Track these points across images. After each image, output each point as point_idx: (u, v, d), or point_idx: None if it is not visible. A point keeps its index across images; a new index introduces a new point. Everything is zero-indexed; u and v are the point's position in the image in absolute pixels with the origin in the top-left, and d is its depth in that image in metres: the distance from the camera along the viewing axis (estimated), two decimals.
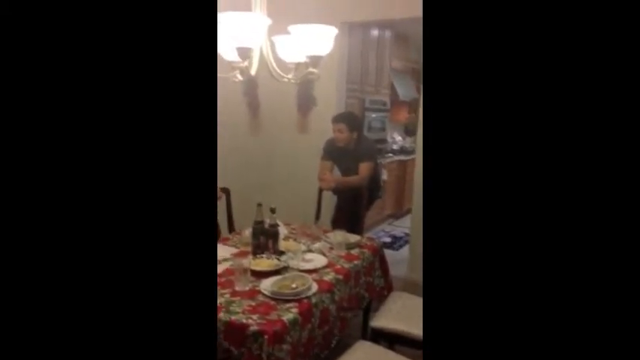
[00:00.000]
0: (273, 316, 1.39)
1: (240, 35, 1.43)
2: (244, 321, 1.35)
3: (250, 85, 3.36)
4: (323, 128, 2.91)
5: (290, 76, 1.73)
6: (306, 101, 3.38)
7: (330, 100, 3.34)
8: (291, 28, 1.60)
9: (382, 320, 1.79)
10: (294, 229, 2.25)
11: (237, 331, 1.33)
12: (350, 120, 2.66)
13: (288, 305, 1.45)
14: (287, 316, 1.39)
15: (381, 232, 4.46)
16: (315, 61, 1.63)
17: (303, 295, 1.51)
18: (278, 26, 1.63)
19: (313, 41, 1.58)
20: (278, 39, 1.71)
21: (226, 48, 1.60)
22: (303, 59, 1.69)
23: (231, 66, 1.65)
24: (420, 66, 3.09)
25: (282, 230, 2.05)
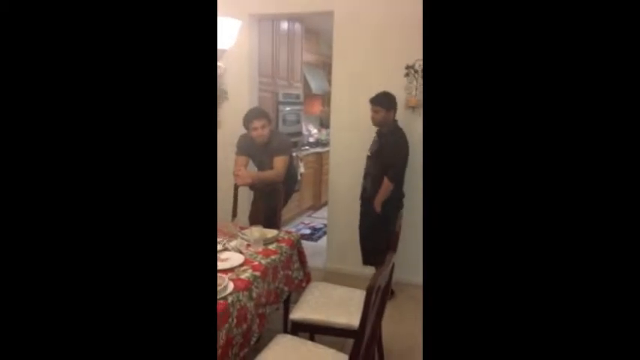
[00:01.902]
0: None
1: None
2: None
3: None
4: (236, 122, 2.86)
5: None
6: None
7: (242, 94, 3.28)
8: None
9: (300, 312, 1.81)
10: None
11: None
12: (267, 115, 2.63)
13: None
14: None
15: (301, 224, 4.51)
16: (220, 54, 1.59)
17: (219, 296, 1.47)
18: None
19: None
20: None
21: None
22: None
23: None
24: (330, 60, 3.15)
25: None
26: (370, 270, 2.72)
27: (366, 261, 2.80)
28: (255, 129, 2.56)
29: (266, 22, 3.66)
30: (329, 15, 2.99)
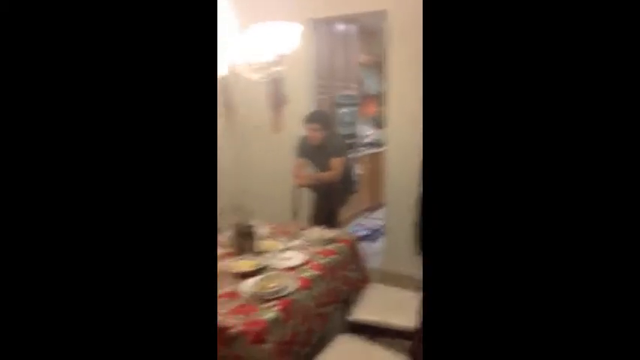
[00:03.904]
0: (254, 316, 1.40)
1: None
2: (225, 323, 1.36)
3: (225, 86, 3.34)
4: (296, 125, 2.93)
5: (258, 75, 1.74)
6: (277, 99, 3.39)
7: (301, 97, 3.35)
8: (256, 27, 1.61)
9: (359, 313, 1.83)
10: (272, 228, 2.26)
11: (219, 333, 1.34)
12: (323, 118, 2.68)
13: (268, 305, 1.47)
14: (268, 316, 1.40)
15: (358, 225, 4.51)
16: (281, 58, 1.64)
17: (283, 294, 1.53)
18: (246, 26, 1.63)
19: (277, 39, 1.60)
20: (245, 38, 1.71)
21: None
22: (270, 58, 1.70)
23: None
24: (384, 59, 3.12)
25: (261, 230, 2.06)
26: None
27: None
28: (310, 131, 2.62)
29: (323, 24, 3.71)
30: (383, 14, 2.98)
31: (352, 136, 4.80)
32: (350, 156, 3.04)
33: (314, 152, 2.73)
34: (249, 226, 1.91)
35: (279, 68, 1.72)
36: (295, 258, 1.86)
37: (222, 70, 1.63)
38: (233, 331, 1.32)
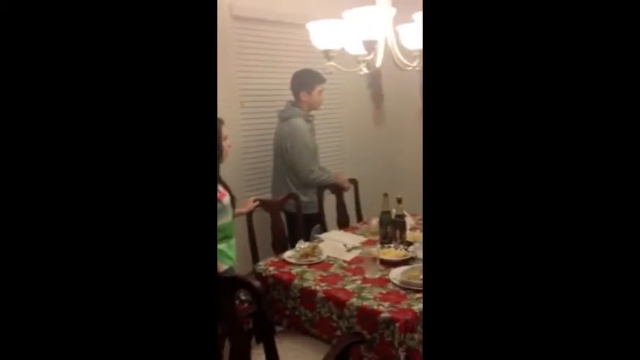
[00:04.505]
0: (404, 305, 1.40)
1: (365, 29, 1.46)
2: (376, 307, 1.39)
3: (374, 77, 3.39)
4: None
5: (415, 64, 1.71)
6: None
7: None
8: (416, 15, 1.58)
9: None
10: (420, 219, 2.22)
11: (369, 316, 1.38)
12: None
13: (417, 295, 1.46)
14: (417, 306, 1.39)
15: None
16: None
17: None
18: (403, 15, 1.62)
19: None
20: (402, 28, 1.70)
21: (351, 42, 1.64)
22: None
23: (357, 60, 1.70)
24: None
25: (409, 221, 2.04)
26: None
27: None
28: None
29: None
30: None
31: None
32: None
33: None
34: (402, 216, 1.91)
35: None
36: None
37: (377, 62, 1.65)
38: (383, 316, 1.35)
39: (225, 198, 1.76)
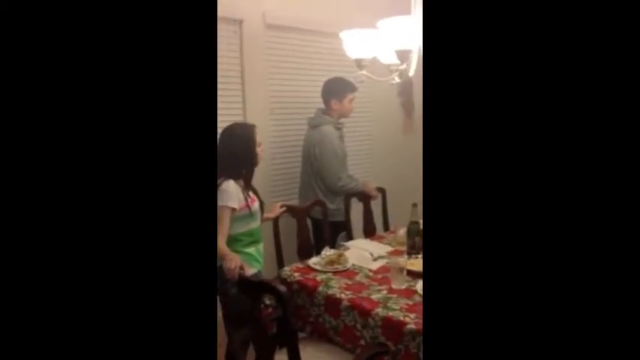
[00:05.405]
0: None
1: (400, 38, 1.46)
2: (402, 318, 1.37)
3: (406, 86, 3.37)
4: None
5: None
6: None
7: None
8: None
9: None
10: None
11: (395, 327, 1.36)
12: None
13: None
14: None
15: None
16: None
17: None
18: None
19: None
20: None
21: (384, 51, 1.64)
22: None
23: (389, 69, 1.69)
24: None
25: None
26: None
27: None
28: None
29: None
30: None
31: None
32: None
33: None
34: None
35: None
36: None
37: (410, 72, 1.64)
38: (409, 327, 1.33)
39: (254, 204, 1.78)
